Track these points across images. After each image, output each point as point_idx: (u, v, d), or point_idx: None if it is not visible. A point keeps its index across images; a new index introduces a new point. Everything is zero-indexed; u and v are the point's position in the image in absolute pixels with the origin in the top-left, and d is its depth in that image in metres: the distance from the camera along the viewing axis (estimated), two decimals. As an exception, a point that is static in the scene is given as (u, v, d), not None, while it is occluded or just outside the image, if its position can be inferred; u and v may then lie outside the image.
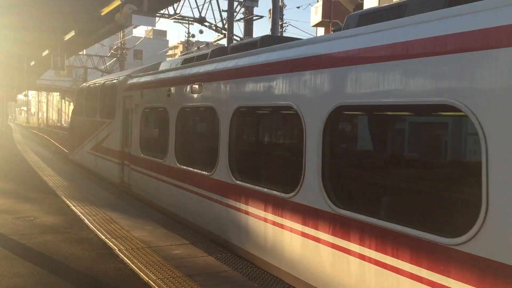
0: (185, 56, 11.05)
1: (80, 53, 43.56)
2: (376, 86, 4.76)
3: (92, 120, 15.86)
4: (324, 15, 30.25)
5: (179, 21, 26.20)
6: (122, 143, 12.75)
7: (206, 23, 24.71)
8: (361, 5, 21.15)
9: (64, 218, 8.79)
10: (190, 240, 7.52)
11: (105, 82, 15.28)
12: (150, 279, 5.73)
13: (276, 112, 7.07)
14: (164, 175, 9.83)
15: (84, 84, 19.25)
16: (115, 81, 13.98)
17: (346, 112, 5.53)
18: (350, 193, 5.48)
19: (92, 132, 15.54)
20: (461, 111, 3.92)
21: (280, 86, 6.35)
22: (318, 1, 31.49)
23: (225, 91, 7.73)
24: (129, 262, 6.36)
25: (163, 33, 78.87)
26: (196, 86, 8.52)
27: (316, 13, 31.33)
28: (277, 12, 19.65)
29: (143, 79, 11.76)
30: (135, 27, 39.60)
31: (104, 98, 15.04)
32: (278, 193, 6.24)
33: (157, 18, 20.34)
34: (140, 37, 45.09)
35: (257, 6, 23.19)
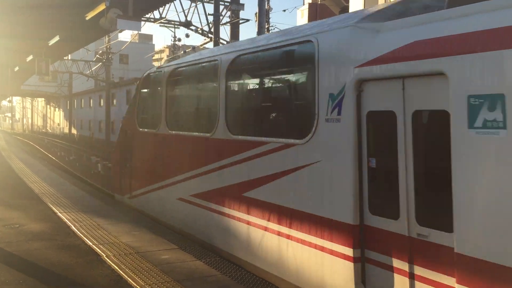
0: None
1: (65, 58, 43.26)
2: None
3: (198, 138, 8.11)
4: (310, 18, 30.38)
5: (165, 25, 26.10)
6: (356, 202, 5.15)
7: (192, 27, 24.68)
8: (347, 8, 21.32)
9: (50, 225, 8.69)
10: (179, 245, 7.48)
11: (241, 55, 7.24)
12: (138, 285, 5.69)
13: None
14: None
15: (154, 70, 10.40)
16: (294, 48, 6.37)
17: None
18: None
19: (199, 162, 7.91)
20: None
21: None
22: (304, 4, 31.68)
23: None
24: (117, 268, 6.31)
25: (149, 37, 78.56)
26: None
27: (302, 16, 31.44)
28: (263, 15, 19.73)
29: None
30: (120, 31, 39.49)
31: (252, 92, 7.65)
32: None
33: (142, 23, 20.27)
34: (126, 42, 44.89)
35: (243, 9, 23.24)
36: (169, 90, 9.41)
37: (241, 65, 7.43)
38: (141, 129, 10.38)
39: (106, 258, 6.74)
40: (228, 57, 7.46)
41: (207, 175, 7.68)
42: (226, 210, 7.12)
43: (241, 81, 7.78)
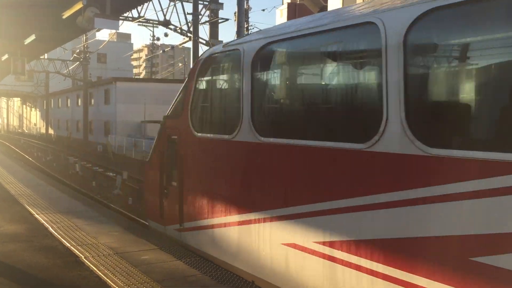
0: None
1: (41, 57, 42.61)
2: None
3: (332, 151, 4.86)
4: (289, 17, 30.54)
5: (144, 24, 25.94)
6: None
7: (171, 26, 24.55)
8: (325, 7, 21.48)
9: (27, 226, 8.56)
10: (159, 245, 7.45)
11: (437, 9, 3.92)
12: (117, 286, 5.64)
13: None
14: None
15: (219, 49, 7.15)
16: None
17: None
18: None
19: (336, 190, 4.80)
20: None
21: None
22: (283, 4, 31.80)
23: None
24: (95, 269, 6.25)
25: (127, 36, 78.00)
26: None
27: (281, 16, 31.60)
28: (242, 14, 19.71)
29: None
30: (98, 30, 39.09)
31: None
32: None
33: (120, 21, 20.09)
34: (104, 41, 44.43)
35: (222, 9, 23.27)
36: (257, 77, 6.16)
37: (445, 28, 4.13)
38: (199, 134, 7.21)
39: (84, 259, 6.67)
40: (401, 15, 4.25)
41: (359, 214, 4.56)
42: (425, 283, 3.88)
43: (447, 54, 4.28)
